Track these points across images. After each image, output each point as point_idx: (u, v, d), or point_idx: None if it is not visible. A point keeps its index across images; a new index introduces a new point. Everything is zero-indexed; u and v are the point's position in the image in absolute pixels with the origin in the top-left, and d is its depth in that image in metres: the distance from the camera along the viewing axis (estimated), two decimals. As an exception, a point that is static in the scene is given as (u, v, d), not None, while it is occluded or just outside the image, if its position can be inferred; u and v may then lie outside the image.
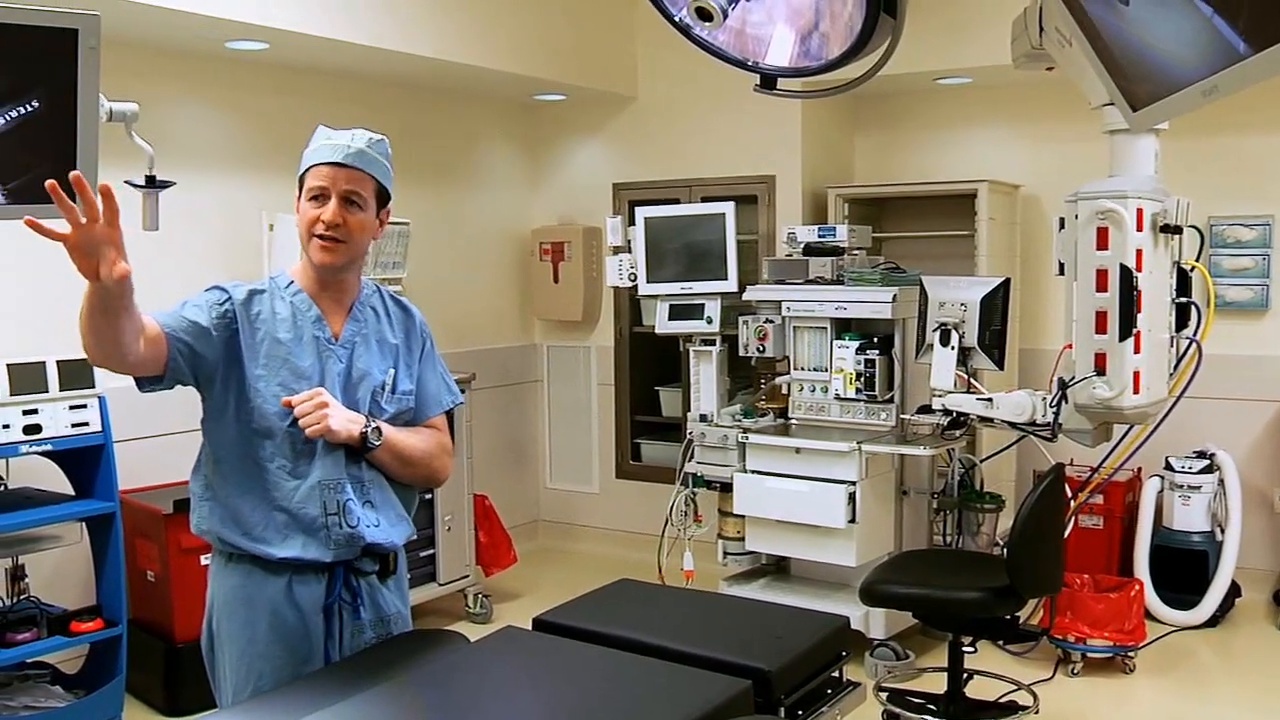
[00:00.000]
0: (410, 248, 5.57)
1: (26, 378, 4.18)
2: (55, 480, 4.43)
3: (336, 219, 2.49)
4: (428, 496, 5.51)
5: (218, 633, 2.56)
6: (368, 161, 2.54)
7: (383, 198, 2.60)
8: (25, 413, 4.16)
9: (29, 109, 2.25)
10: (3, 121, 2.21)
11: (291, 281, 2.62)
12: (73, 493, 4.42)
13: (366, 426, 2.51)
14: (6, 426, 4.10)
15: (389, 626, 2.65)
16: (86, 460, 4.36)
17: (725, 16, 1.97)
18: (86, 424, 4.31)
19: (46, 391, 4.22)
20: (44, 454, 4.25)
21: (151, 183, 2.72)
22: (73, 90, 2.28)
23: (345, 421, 2.48)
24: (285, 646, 2.51)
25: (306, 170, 2.55)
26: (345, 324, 2.62)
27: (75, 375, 4.29)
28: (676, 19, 2.24)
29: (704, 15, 1.96)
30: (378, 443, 2.53)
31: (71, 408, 4.28)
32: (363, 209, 2.54)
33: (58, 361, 4.26)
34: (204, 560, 4.49)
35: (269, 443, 2.50)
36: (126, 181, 2.62)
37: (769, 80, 2.32)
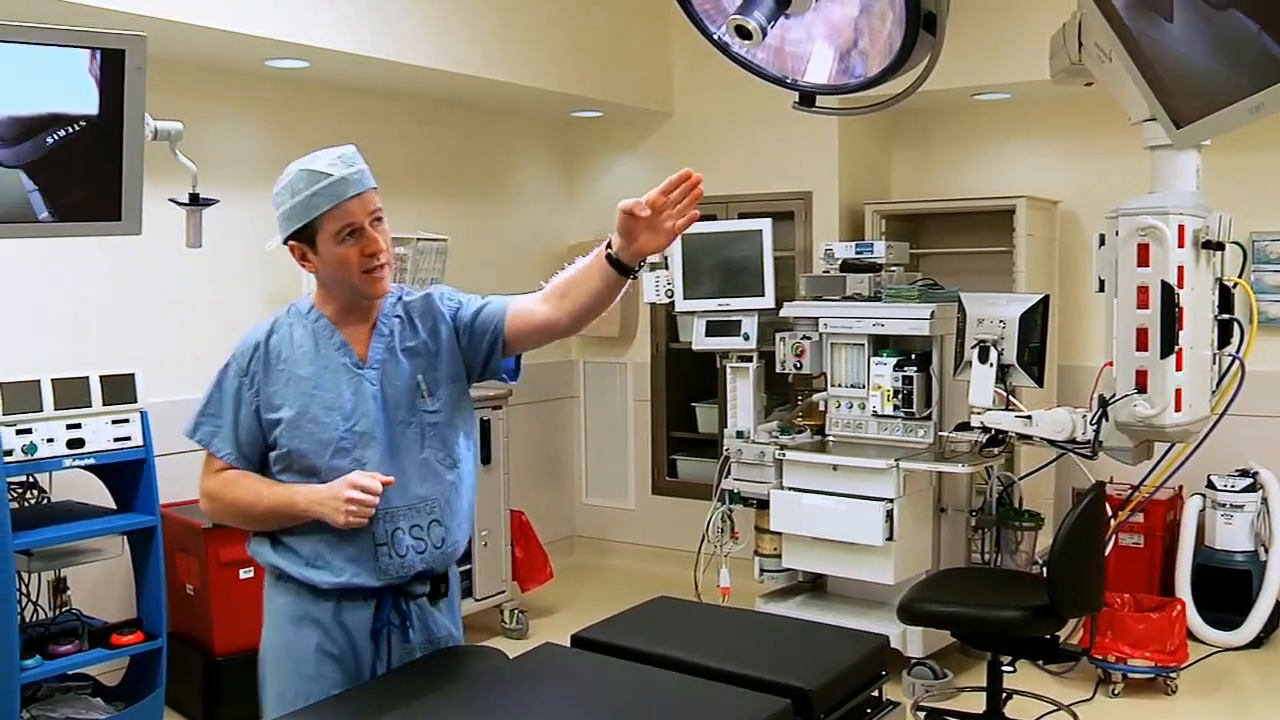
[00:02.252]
0: (448, 263, 5.60)
1: (70, 392, 4.22)
2: (97, 494, 4.47)
3: (379, 245, 2.47)
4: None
5: (266, 650, 2.57)
6: (369, 176, 2.50)
7: None
8: (69, 427, 4.20)
9: (76, 128, 2.29)
10: (51, 141, 2.24)
11: (313, 307, 2.58)
12: (114, 506, 4.47)
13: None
14: (50, 440, 4.14)
15: (439, 648, 2.62)
16: (128, 474, 4.40)
17: (764, 35, 1.97)
18: (128, 438, 4.35)
19: (89, 406, 4.26)
20: (86, 468, 4.29)
21: (195, 200, 2.75)
22: (119, 110, 2.31)
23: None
24: (333, 668, 2.49)
25: (321, 216, 2.43)
26: (370, 343, 2.56)
27: (118, 390, 4.34)
28: (715, 37, 2.24)
29: (743, 33, 1.96)
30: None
31: (114, 422, 4.32)
32: (383, 221, 2.52)
33: (100, 376, 4.31)
34: (243, 574, 4.56)
35: (313, 480, 2.47)
36: (170, 199, 2.65)
37: (808, 98, 2.32)
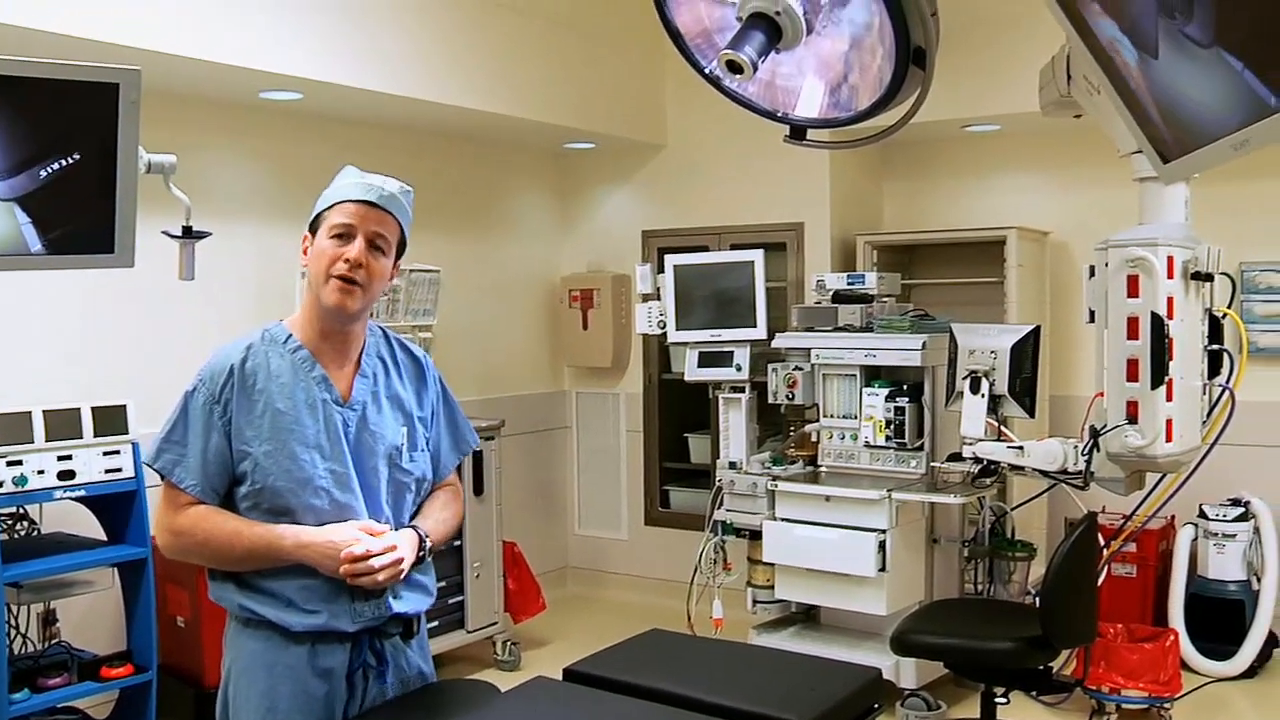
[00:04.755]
0: (441, 295, 5.61)
1: (62, 424, 4.22)
2: (88, 525, 4.46)
3: (362, 259, 2.38)
4: (456, 544, 5.51)
5: (234, 699, 2.42)
6: (398, 207, 2.46)
7: (400, 248, 2.51)
8: (60, 458, 4.20)
9: (70, 161, 2.29)
10: (44, 174, 2.24)
11: (290, 335, 2.47)
12: (105, 538, 4.45)
13: (421, 548, 2.45)
14: (41, 472, 4.14)
15: (410, 687, 2.55)
16: (119, 506, 4.39)
17: (755, 69, 1.98)
18: (120, 469, 4.34)
19: (81, 438, 4.26)
20: (77, 499, 4.29)
21: (188, 233, 2.74)
22: (113, 143, 2.31)
23: (410, 553, 2.42)
24: (306, 713, 2.38)
25: (329, 207, 2.44)
26: (354, 381, 2.49)
27: (109, 421, 4.34)
28: (707, 71, 2.25)
29: (734, 68, 1.97)
30: (428, 553, 2.48)
31: (105, 453, 4.32)
32: (385, 255, 2.44)
33: (92, 408, 4.31)
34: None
35: (285, 520, 2.37)
36: (164, 232, 2.65)
37: (799, 131, 2.33)
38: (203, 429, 2.39)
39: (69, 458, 4.22)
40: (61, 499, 4.22)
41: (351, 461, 2.43)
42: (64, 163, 2.27)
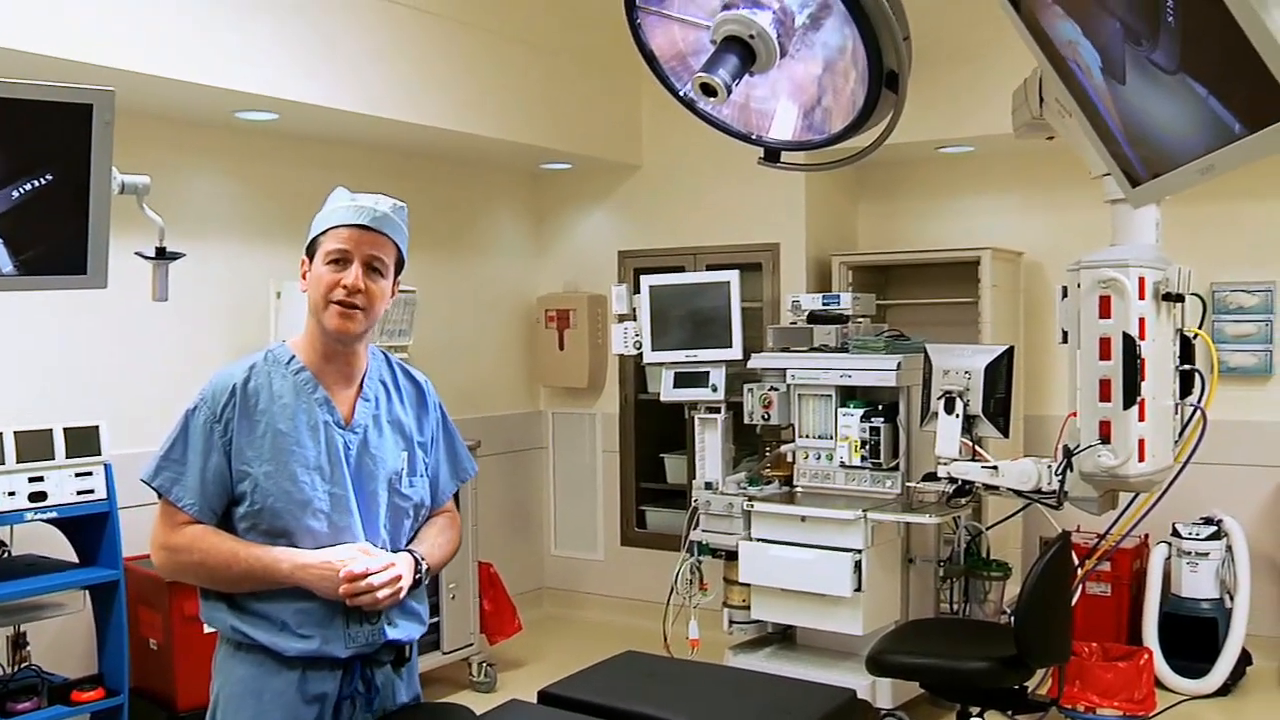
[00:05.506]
0: (416, 315, 5.60)
1: (33, 445, 4.19)
2: (59, 547, 4.42)
3: (360, 284, 2.37)
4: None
5: None
6: (392, 227, 2.44)
7: (399, 265, 2.50)
8: (31, 479, 4.16)
9: (43, 182, 2.28)
10: (17, 194, 2.23)
11: (293, 356, 2.47)
12: (76, 560, 4.42)
13: (419, 570, 2.45)
14: (12, 494, 4.11)
15: (404, 705, 2.54)
16: (91, 528, 4.36)
17: (729, 92, 1.99)
18: (92, 491, 4.31)
19: (53, 459, 4.23)
20: (49, 521, 4.25)
21: (161, 254, 2.73)
22: (86, 164, 2.30)
23: (408, 575, 2.41)
24: None
25: (324, 232, 2.42)
26: (356, 404, 2.48)
27: (82, 442, 4.31)
28: (681, 94, 2.27)
29: (708, 91, 1.98)
30: (425, 577, 2.48)
31: (77, 475, 4.29)
32: (383, 276, 2.43)
33: (64, 428, 4.28)
34: (207, 629, 4.49)
35: (283, 542, 2.36)
36: (137, 253, 2.64)
37: (773, 153, 2.34)
38: (203, 448, 2.37)
39: (40, 479, 4.19)
40: (33, 520, 4.19)
41: (351, 485, 2.42)
42: (37, 183, 2.26)
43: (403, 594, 2.39)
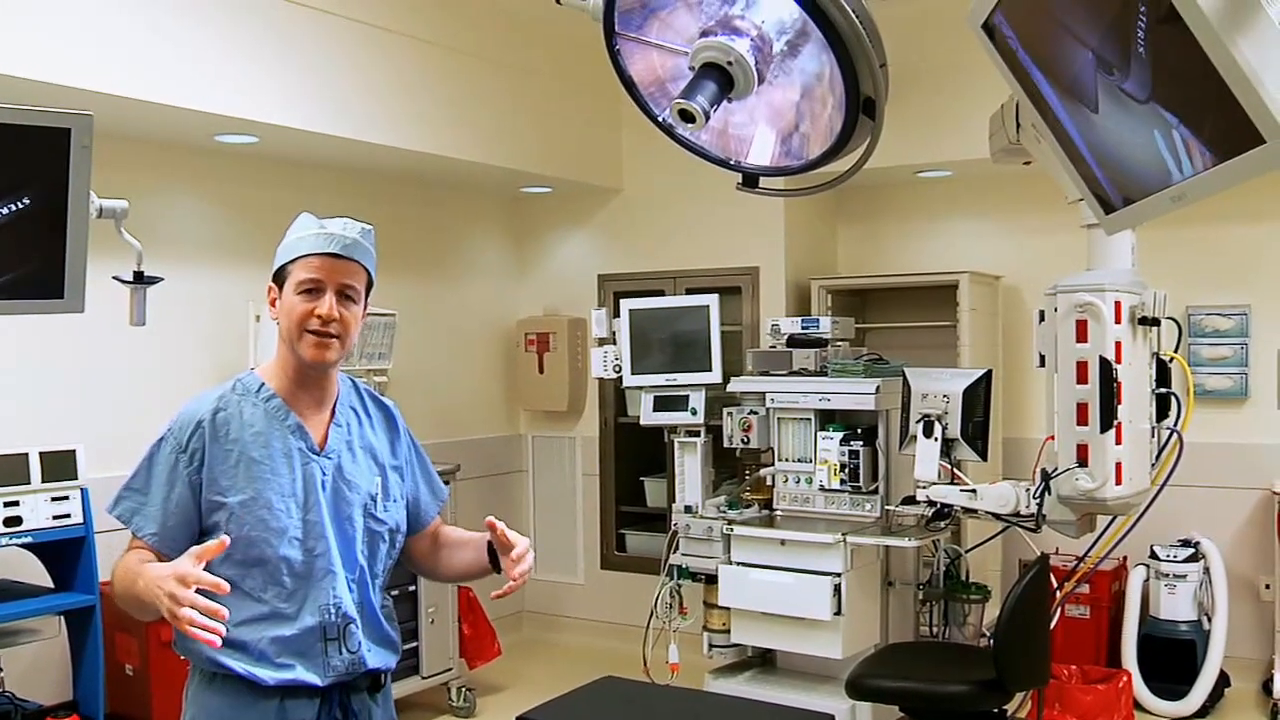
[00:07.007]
0: (396, 338, 5.59)
1: (9, 469, 4.16)
2: (34, 572, 4.39)
3: (334, 314, 2.33)
4: (411, 588, 5.47)
5: None
6: (362, 253, 2.41)
7: (369, 288, 2.47)
8: (6, 504, 4.13)
9: (20, 205, 2.27)
10: (-5, 218, 2.23)
11: (263, 384, 2.42)
12: (52, 585, 4.38)
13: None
14: (-13, 519, 4.08)
15: None
16: (67, 552, 4.33)
17: (708, 118, 2.00)
18: (68, 515, 4.28)
19: (28, 483, 4.20)
20: (24, 545, 4.22)
21: (140, 278, 2.72)
22: (64, 188, 2.30)
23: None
24: None
25: (294, 260, 2.36)
26: (329, 430, 2.44)
27: (58, 466, 4.28)
28: (660, 119, 2.27)
29: (686, 117, 1.99)
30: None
31: (53, 499, 4.26)
32: (356, 302, 2.39)
33: (40, 453, 4.25)
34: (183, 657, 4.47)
35: (258, 571, 2.30)
36: (115, 277, 2.63)
37: (751, 179, 2.35)
38: (166, 479, 2.32)
39: (16, 503, 4.16)
40: (7, 545, 4.16)
41: (327, 512, 2.39)
42: (13, 207, 2.26)
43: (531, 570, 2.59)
